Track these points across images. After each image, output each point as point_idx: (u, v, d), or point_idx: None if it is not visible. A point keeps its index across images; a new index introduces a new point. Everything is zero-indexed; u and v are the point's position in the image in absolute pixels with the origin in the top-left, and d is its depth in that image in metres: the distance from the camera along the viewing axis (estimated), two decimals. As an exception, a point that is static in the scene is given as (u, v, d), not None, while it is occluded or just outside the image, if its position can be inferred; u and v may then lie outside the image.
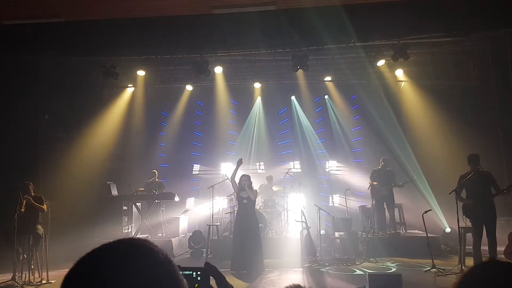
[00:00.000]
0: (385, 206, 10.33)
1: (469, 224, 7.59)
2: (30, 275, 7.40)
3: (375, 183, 10.19)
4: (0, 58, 9.78)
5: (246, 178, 8.19)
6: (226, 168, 12.87)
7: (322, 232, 9.55)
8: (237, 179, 8.34)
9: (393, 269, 8.12)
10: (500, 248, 7.58)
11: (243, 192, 8.13)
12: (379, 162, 10.63)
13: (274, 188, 11.50)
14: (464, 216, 7.50)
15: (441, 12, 8.45)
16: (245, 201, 8.13)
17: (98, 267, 0.83)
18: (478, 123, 10.74)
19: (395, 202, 10.48)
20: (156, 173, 11.64)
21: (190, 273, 1.46)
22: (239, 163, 8.29)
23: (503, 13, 8.45)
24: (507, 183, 9.71)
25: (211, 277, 1.46)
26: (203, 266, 1.44)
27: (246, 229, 8.03)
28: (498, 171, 9.10)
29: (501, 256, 7.37)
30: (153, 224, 11.11)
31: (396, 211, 10.70)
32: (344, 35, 9.27)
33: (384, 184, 10.18)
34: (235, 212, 9.19)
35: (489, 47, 10.66)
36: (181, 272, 0.92)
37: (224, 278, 1.42)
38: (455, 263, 7.79)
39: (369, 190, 10.39)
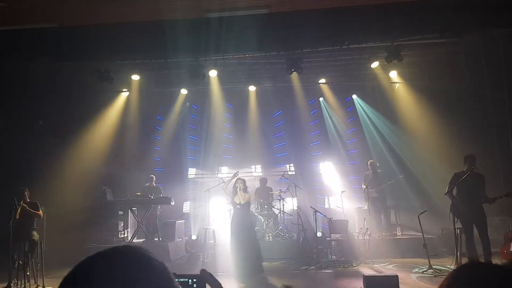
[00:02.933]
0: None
1: (457, 223, 7.60)
2: (26, 282, 7.36)
3: (363, 186, 10.40)
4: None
5: (240, 182, 8.23)
6: (223, 171, 12.89)
7: (319, 234, 9.56)
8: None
9: (390, 271, 8.13)
10: (497, 249, 7.61)
11: (237, 197, 8.17)
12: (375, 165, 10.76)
13: (270, 191, 11.49)
14: (451, 214, 7.51)
15: (434, 13, 8.49)
16: (238, 206, 8.18)
17: (92, 275, 0.82)
18: (472, 123, 10.79)
19: (393, 204, 10.61)
20: (154, 178, 11.62)
21: (185, 281, 1.45)
22: (235, 176, 8.39)
23: (496, 13, 8.50)
24: (502, 183, 9.80)
25: (207, 284, 1.45)
26: (199, 272, 1.43)
27: (242, 233, 8.06)
28: (492, 171, 9.15)
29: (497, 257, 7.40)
30: (149, 228, 11.09)
31: (392, 212, 10.77)
32: (337, 37, 9.31)
33: (374, 187, 10.35)
34: (231, 215, 9.17)
35: (482, 48, 10.72)
36: (176, 280, 0.92)
37: (221, 285, 1.42)
38: (452, 264, 7.81)
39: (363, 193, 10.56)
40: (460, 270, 1.02)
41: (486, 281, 0.95)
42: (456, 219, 7.40)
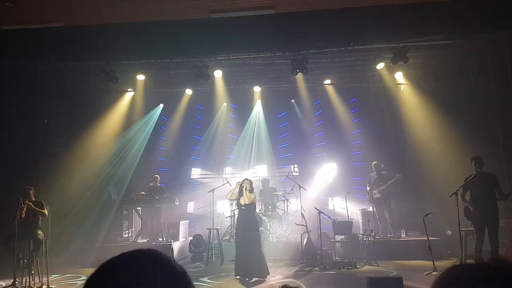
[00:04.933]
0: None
1: (470, 226, 7.58)
2: (31, 280, 7.38)
3: (368, 188, 10.43)
4: (-1, 63, 9.79)
5: (247, 182, 8.17)
6: (227, 171, 12.90)
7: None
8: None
9: (394, 273, 8.10)
10: (501, 252, 7.56)
11: (242, 198, 8.09)
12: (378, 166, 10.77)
13: (274, 192, 11.49)
14: (465, 218, 7.49)
15: (440, 14, 8.46)
16: (243, 207, 8.09)
17: (117, 276, 0.87)
18: (477, 125, 10.73)
19: (397, 205, 10.65)
20: (158, 177, 11.64)
21: None
22: (237, 185, 8.35)
23: (502, 15, 8.46)
24: (507, 185, 9.74)
25: None
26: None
27: (247, 235, 7.98)
28: (498, 174, 9.08)
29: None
30: (154, 228, 11.11)
31: (397, 214, 10.75)
32: (343, 38, 9.28)
33: (377, 188, 10.39)
34: (236, 216, 9.17)
35: (488, 50, 10.66)
36: None
37: None
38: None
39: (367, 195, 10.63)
40: (449, 271, 1.03)
41: (474, 281, 0.96)
42: (469, 222, 7.41)
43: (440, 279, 1.02)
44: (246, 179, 8.33)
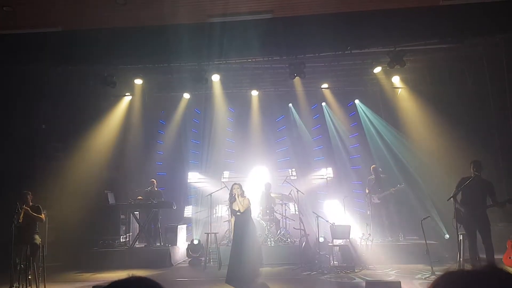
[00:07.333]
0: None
1: (461, 229, 7.56)
2: (28, 285, 7.34)
3: (366, 191, 10.46)
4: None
5: (237, 187, 7.86)
6: (225, 175, 12.88)
7: (321, 239, 9.54)
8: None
9: (392, 277, 8.09)
10: (500, 256, 7.57)
11: (235, 204, 7.84)
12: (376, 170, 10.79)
13: (272, 195, 11.46)
14: (455, 220, 7.46)
15: (436, 19, 8.50)
16: (238, 213, 7.83)
17: None
18: (474, 129, 10.77)
19: (395, 209, 10.65)
20: (155, 182, 11.61)
21: None
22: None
23: (498, 19, 8.50)
24: (504, 188, 9.75)
25: None
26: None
27: (243, 240, 7.74)
28: (495, 177, 9.11)
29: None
30: (151, 233, 11.08)
31: (395, 218, 10.74)
32: (340, 42, 9.32)
33: (376, 193, 10.38)
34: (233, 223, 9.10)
35: (484, 53, 10.71)
36: None
37: None
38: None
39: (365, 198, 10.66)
40: (443, 277, 1.03)
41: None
42: (459, 225, 7.35)
43: (435, 285, 1.01)
44: (235, 183, 8.04)
